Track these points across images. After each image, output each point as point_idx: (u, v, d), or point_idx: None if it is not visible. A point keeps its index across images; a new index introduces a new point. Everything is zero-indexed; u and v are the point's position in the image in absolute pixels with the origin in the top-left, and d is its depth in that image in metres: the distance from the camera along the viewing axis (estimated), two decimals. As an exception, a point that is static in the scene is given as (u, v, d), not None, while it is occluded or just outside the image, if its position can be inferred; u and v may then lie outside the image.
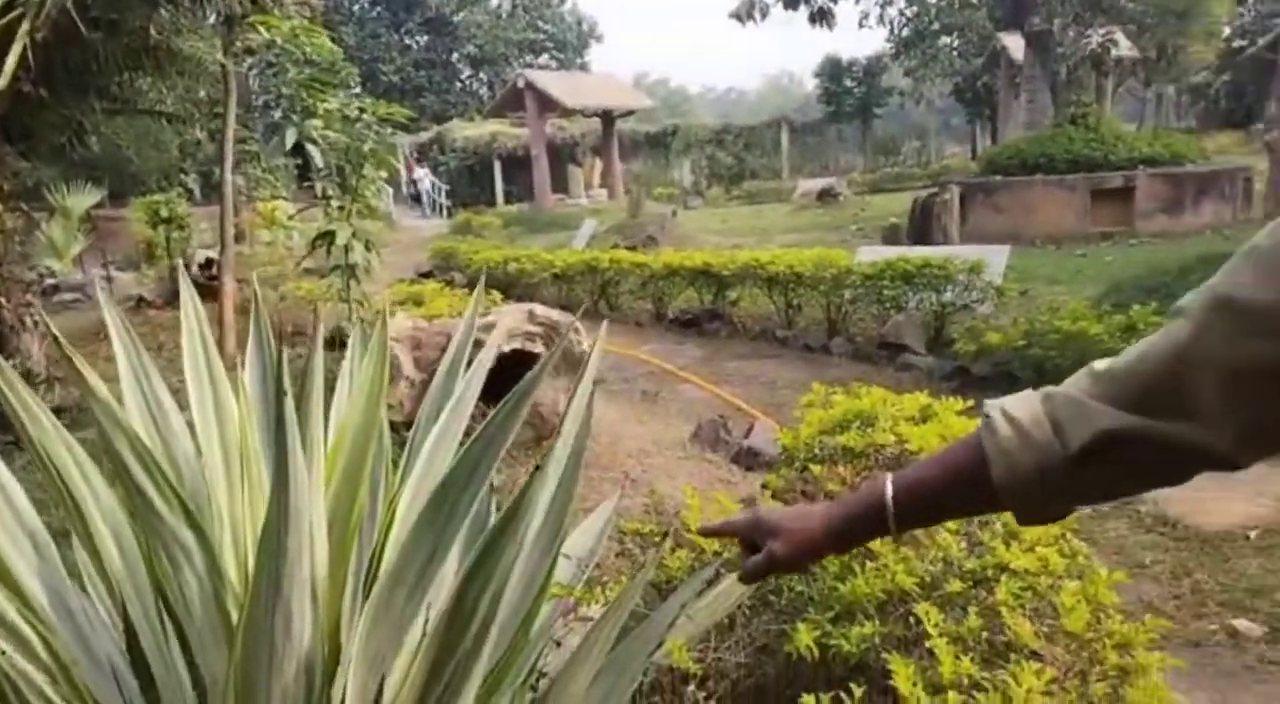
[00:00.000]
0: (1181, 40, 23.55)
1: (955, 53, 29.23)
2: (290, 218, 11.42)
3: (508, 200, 27.50)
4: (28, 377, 5.72)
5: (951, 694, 1.43)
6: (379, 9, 38.32)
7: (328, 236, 6.34)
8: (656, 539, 2.11)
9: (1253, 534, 3.64)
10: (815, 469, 2.31)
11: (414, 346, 4.77)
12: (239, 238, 10.55)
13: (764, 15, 18.26)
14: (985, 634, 1.62)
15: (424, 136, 30.89)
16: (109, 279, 11.25)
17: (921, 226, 12.25)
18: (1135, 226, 12.18)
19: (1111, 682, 1.56)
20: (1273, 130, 10.77)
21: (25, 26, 4.82)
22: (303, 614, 1.19)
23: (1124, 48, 21.49)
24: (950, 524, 1.87)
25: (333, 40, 6.77)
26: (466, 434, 1.52)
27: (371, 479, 1.53)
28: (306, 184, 7.20)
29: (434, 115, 35.41)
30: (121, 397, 1.50)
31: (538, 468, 1.20)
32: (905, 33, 27.84)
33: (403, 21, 38.20)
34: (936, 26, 27.49)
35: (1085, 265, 10.19)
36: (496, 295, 7.33)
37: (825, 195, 20.64)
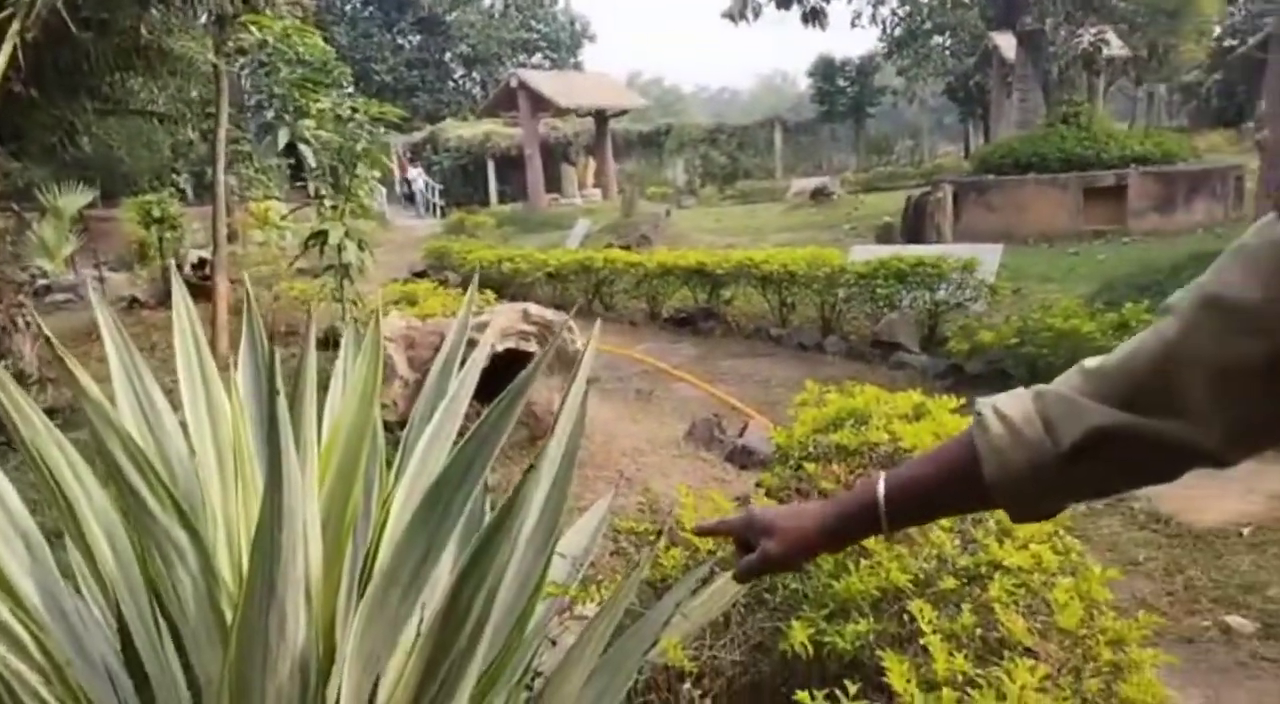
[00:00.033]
0: (1172, 39, 23.63)
1: (948, 52, 29.30)
2: (283, 218, 11.39)
3: (501, 200, 27.48)
4: (20, 378, 5.70)
5: (946, 691, 1.44)
6: (371, 8, 38.24)
7: (321, 236, 6.33)
8: (651, 538, 2.12)
9: (1245, 531, 3.66)
10: (809, 467, 2.31)
11: (408, 346, 4.77)
12: (232, 238, 10.52)
13: (757, 15, 18.30)
14: (979, 631, 1.62)
15: (417, 136, 30.85)
16: (101, 279, 11.22)
17: (915, 225, 12.27)
18: (1128, 225, 12.23)
19: (1105, 678, 1.57)
20: (1263, 129, 10.79)
21: (15, 26, 4.80)
22: (297, 614, 1.18)
23: (1115, 47, 21.56)
24: (944, 522, 1.88)
25: (325, 40, 6.76)
26: (461, 433, 1.52)
27: (365, 478, 1.53)
28: (299, 184, 7.20)
29: (427, 115, 35.34)
30: (114, 397, 1.49)
31: (531, 467, 1.20)
32: (898, 32, 27.91)
33: (395, 21, 38.13)
34: (929, 26, 27.55)
35: (1078, 263, 10.22)
36: (490, 295, 7.33)
37: (819, 194, 20.66)
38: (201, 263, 10.28)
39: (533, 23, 42.01)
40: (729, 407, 5.98)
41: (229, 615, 1.25)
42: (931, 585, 1.75)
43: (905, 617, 1.67)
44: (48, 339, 1.21)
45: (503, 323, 4.72)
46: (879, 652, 1.56)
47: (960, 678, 1.48)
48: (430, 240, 16.20)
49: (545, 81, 25.21)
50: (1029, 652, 1.57)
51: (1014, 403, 0.94)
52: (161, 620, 1.35)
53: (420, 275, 11.76)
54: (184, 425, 1.59)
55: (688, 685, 1.71)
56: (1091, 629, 1.66)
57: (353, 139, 6.43)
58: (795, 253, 8.33)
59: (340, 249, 6.24)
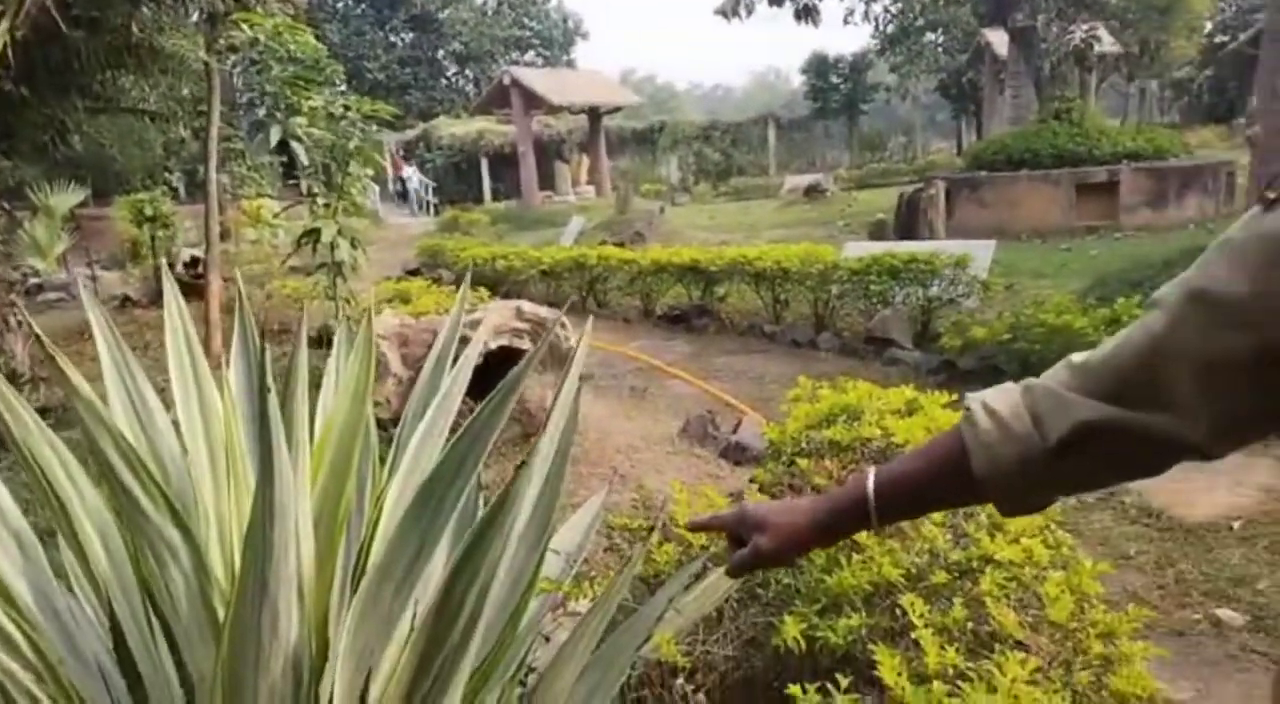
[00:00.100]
0: (1164, 35, 23.70)
1: (940, 49, 29.34)
2: (275, 216, 11.38)
3: (495, 197, 27.44)
4: (12, 377, 5.68)
5: (937, 684, 1.45)
6: (363, 6, 38.12)
7: (313, 234, 6.32)
8: (644, 534, 2.12)
9: (1236, 525, 3.67)
10: (802, 463, 2.31)
11: (401, 344, 4.77)
12: (224, 236, 10.50)
13: (749, 12, 18.25)
14: (970, 625, 1.63)
15: (410, 134, 30.79)
16: (93, 278, 11.18)
17: (908, 222, 12.29)
18: (1119, 220, 12.26)
19: (1095, 670, 1.58)
20: (1255, 124, 10.83)
21: (4, 24, 4.78)
22: (289, 611, 1.19)
23: (1107, 43, 21.59)
24: (936, 516, 1.89)
25: (317, 38, 6.75)
26: (453, 430, 1.52)
27: (358, 475, 1.54)
28: (292, 182, 7.17)
29: (420, 113, 35.27)
30: (106, 396, 1.49)
31: (523, 463, 1.20)
32: (890, 29, 27.91)
33: (387, 19, 38.02)
34: (921, 23, 27.56)
35: (1070, 259, 10.25)
36: (484, 292, 7.32)
37: (812, 191, 20.69)
38: (194, 261, 10.26)
39: (525, 20, 41.94)
40: (723, 403, 5.99)
41: (221, 613, 1.25)
42: (923, 580, 1.75)
43: (897, 611, 1.68)
44: (39, 338, 1.21)
45: (496, 320, 4.72)
46: (871, 646, 1.57)
47: (951, 671, 1.49)
48: (424, 238, 16.17)
49: (538, 79, 25.18)
50: (1020, 645, 1.58)
51: (1002, 398, 0.95)
52: (154, 619, 1.35)
53: (414, 273, 11.73)
54: (176, 424, 1.60)
55: (680, 681, 1.72)
56: (1082, 622, 1.67)
57: (345, 137, 6.42)
58: (789, 249, 8.33)
59: (333, 247, 6.23)
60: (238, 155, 12.01)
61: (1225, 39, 26.88)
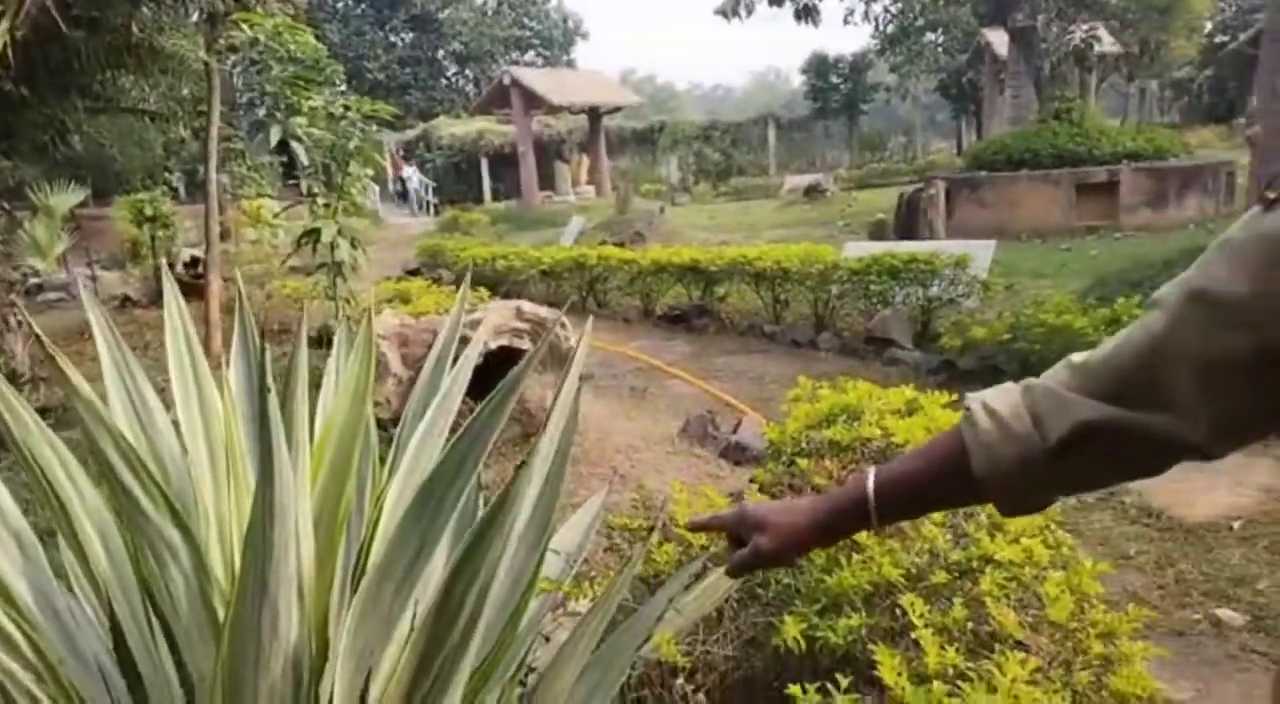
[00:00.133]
0: (1164, 35, 23.70)
1: (940, 49, 29.34)
2: (275, 216, 11.38)
3: (495, 198, 27.44)
4: (12, 377, 5.69)
5: (937, 684, 1.45)
6: (363, 6, 38.12)
7: (313, 234, 6.32)
8: (644, 534, 2.12)
9: (1235, 525, 3.67)
10: (802, 463, 2.31)
11: (401, 344, 4.77)
12: (224, 236, 10.50)
13: (749, 12, 18.25)
14: (970, 625, 1.63)
15: (410, 134, 30.79)
16: (93, 278, 11.18)
17: (907, 222, 12.29)
18: (1119, 221, 12.26)
19: (1095, 670, 1.58)
20: (1255, 124, 10.83)
21: (4, 24, 4.78)
22: (289, 611, 1.19)
23: (1107, 43, 21.60)
24: (936, 516, 1.89)
25: (317, 38, 6.75)
26: (453, 430, 1.52)
27: (358, 475, 1.54)
28: (292, 182, 7.17)
29: (420, 113, 35.27)
30: (106, 396, 1.49)
31: (523, 463, 1.20)
32: (890, 29, 27.91)
33: (387, 19, 38.02)
34: (921, 23, 27.57)
35: (1070, 259, 10.25)
36: (484, 292, 7.32)
37: (812, 191, 20.69)
38: (194, 261, 10.26)
39: (525, 20, 41.94)
40: (723, 403, 5.99)
41: (221, 613, 1.25)
42: (923, 580, 1.75)
43: (897, 611, 1.68)
44: (39, 338, 1.21)
45: (496, 320, 4.73)
46: (870, 646, 1.57)
47: (951, 671, 1.49)
48: (424, 238, 16.17)
49: (538, 79, 25.18)
50: (1020, 645, 1.58)
51: (1002, 398, 0.95)
52: (154, 618, 1.35)
53: (414, 273, 11.73)
54: (176, 424, 1.60)
55: (680, 681, 1.72)
56: (1082, 622, 1.67)
57: (345, 137, 6.42)
58: (789, 249, 8.33)
59: (333, 247, 6.23)
60: (238, 155, 12.02)
61: (1225, 39, 26.88)
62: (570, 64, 41.18)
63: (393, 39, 38.66)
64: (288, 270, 9.48)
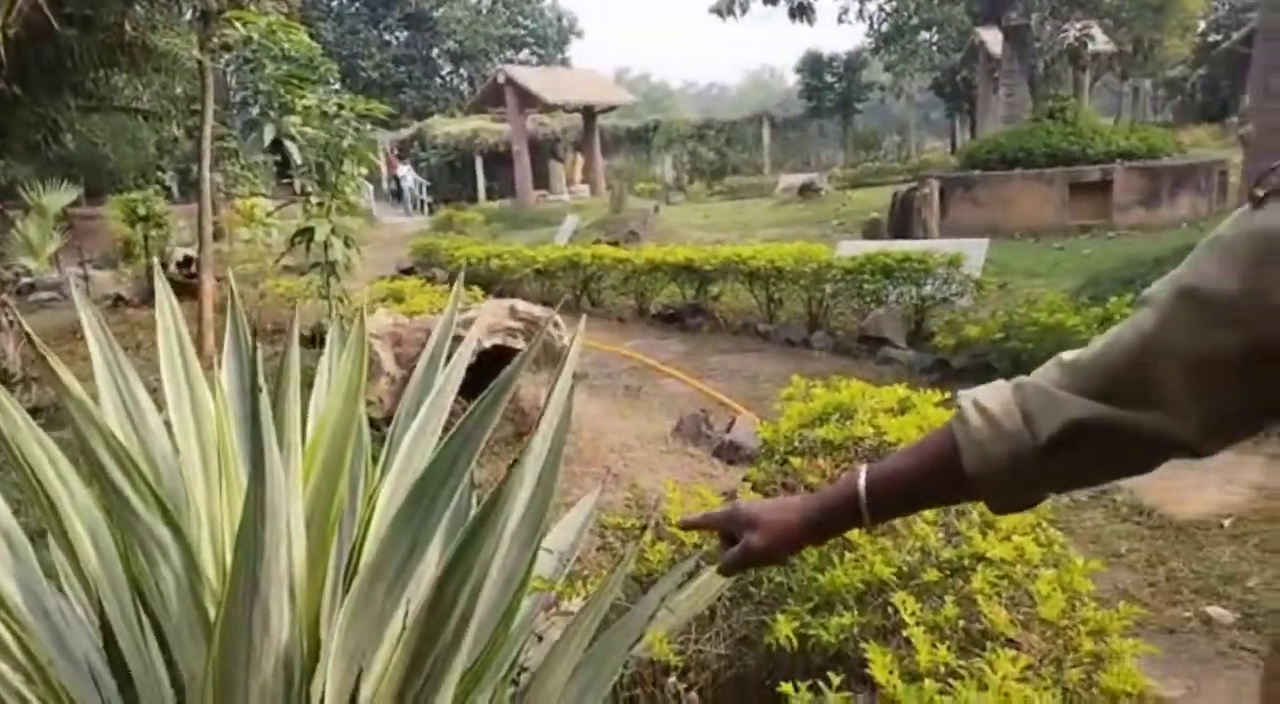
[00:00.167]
0: (1157, 34, 23.76)
1: (934, 48, 29.37)
2: (269, 215, 11.34)
3: (489, 196, 27.40)
4: (3, 377, 5.67)
5: (928, 682, 1.45)
6: (358, 5, 38.06)
7: (307, 233, 6.31)
8: (637, 533, 2.12)
9: (1226, 522, 3.69)
10: (795, 462, 2.32)
11: (395, 343, 4.76)
12: (218, 235, 10.48)
13: (744, 10, 18.25)
14: (962, 623, 1.63)
15: (404, 133, 30.74)
16: (85, 278, 11.15)
17: (901, 221, 12.31)
18: (1113, 219, 12.29)
19: (1086, 668, 1.59)
20: (1247, 123, 10.87)
21: (-3, 22, 4.76)
22: (281, 610, 1.18)
23: (1101, 42, 21.66)
24: (927, 514, 1.89)
25: (311, 36, 6.74)
26: (446, 429, 1.52)
27: (351, 474, 1.53)
28: (285, 181, 7.17)
29: (414, 111, 35.22)
30: (97, 395, 1.49)
31: (516, 462, 1.20)
32: (885, 28, 27.93)
33: (382, 17, 37.96)
34: (915, 21, 27.59)
35: (1063, 258, 10.27)
36: (478, 291, 7.32)
37: (806, 190, 20.69)
38: (187, 260, 10.24)
39: (520, 19, 41.89)
40: (717, 402, 5.99)
41: (213, 613, 1.25)
42: (915, 578, 1.76)
43: (889, 609, 1.68)
44: (30, 338, 1.20)
45: (489, 319, 4.72)
46: (863, 644, 1.57)
47: (943, 669, 1.49)
48: (418, 237, 16.15)
49: (533, 78, 25.15)
50: (1011, 642, 1.58)
51: (993, 395, 0.95)
52: (145, 618, 1.35)
53: (407, 272, 11.72)
54: (168, 424, 1.59)
55: (673, 679, 1.72)
56: (1073, 620, 1.67)
57: (339, 136, 6.41)
58: (783, 248, 8.34)
59: (326, 246, 6.22)
60: (231, 154, 12.00)
61: (1219, 38, 26.98)
62: (565, 62, 41.16)
63: (387, 37, 38.61)
64: (281, 270, 9.46)
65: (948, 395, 2.48)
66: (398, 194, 28.47)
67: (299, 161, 6.33)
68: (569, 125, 28.64)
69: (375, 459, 1.71)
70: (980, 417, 0.94)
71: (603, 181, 25.32)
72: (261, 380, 1.12)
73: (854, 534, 1.80)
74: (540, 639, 1.73)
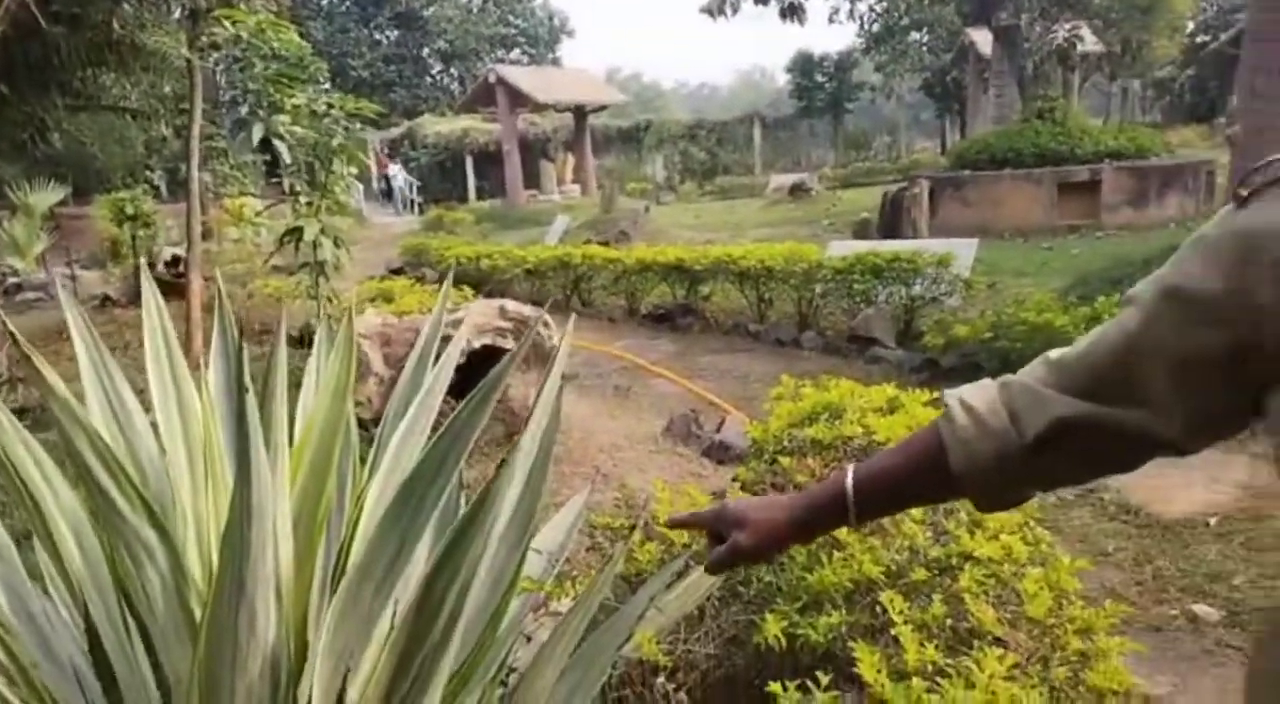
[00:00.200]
0: (1146, 35, 23.89)
1: (924, 48, 29.46)
2: (258, 214, 11.32)
3: (480, 196, 27.36)
4: (-11, 377, 5.63)
5: (916, 680, 1.45)
6: (348, 3, 37.94)
7: (296, 233, 6.28)
8: (626, 533, 2.12)
9: (1212, 521, 3.71)
10: (784, 461, 2.32)
11: (383, 343, 4.75)
12: (206, 235, 10.43)
13: (735, 10, 18.24)
14: (949, 621, 1.64)
15: (395, 132, 30.65)
16: (73, 278, 11.08)
17: (891, 221, 12.34)
18: (1101, 219, 12.35)
19: (1073, 666, 1.59)
20: (1235, 124, 10.92)
21: (-17, 20, 4.73)
22: (267, 611, 1.18)
23: (1090, 43, 21.74)
24: (915, 513, 1.90)
25: (300, 35, 6.70)
26: (435, 429, 1.52)
27: (339, 475, 1.53)
28: (275, 180, 7.14)
29: (405, 111, 35.13)
30: (83, 396, 1.48)
31: (504, 462, 1.20)
32: (875, 28, 28.02)
33: (372, 16, 37.86)
34: (906, 22, 27.67)
35: (1052, 258, 10.31)
36: (468, 291, 7.30)
37: (797, 190, 20.73)
38: (175, 260, 10.18)
39: (511, 18, 41.83)
40: (707, 402, 5.99)
41: (198, 614, 1.25)
42: (903, 577, 1.76)
43: (877, 608, 1.69)
44: (15, 338, 1.19)
45: (479, 319, 4.71)
46: (851, 643, 1.57)
47: (930, 668, 1.50)
48: (408, 237, 16.11)
49: (523, 77, 25.11)
50: (998, 641, 1.59)
51: (980, 394, 0.96)
52: (130, 620, 1.34)
53: (397, 272, 11.68)
54: (154, 425, 1.58)
55: (662, 679, 1.72)
56: (1060, 618, 1.68)
57: (329, 135, 6.38)
58: (773, 248, 8.35)
59: (316, 246, 6.19)
60: (220, 153, 11.95)
61: (1207, 39, 27.13)
62: (556, 62, 41.12)
63: (377, 36, 38.50)
64: (270, 269, 9.42)
65: (936, 395, 2.49)
66: (388, 194, 28.39)
67: (288, 161, 6.30)
68: (560, 125, 28.61)
69: (363, 459, 1.70)
70: (967, 415, 0.94)
71: (593, 181, 25.31)
72: (248, 380, 1.12)
73: (842, 533, 1.80)
74: (529, 640, 1.73)
